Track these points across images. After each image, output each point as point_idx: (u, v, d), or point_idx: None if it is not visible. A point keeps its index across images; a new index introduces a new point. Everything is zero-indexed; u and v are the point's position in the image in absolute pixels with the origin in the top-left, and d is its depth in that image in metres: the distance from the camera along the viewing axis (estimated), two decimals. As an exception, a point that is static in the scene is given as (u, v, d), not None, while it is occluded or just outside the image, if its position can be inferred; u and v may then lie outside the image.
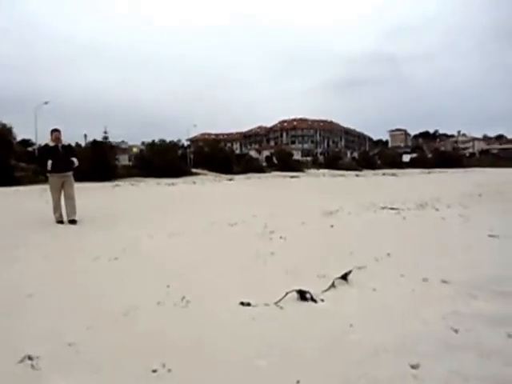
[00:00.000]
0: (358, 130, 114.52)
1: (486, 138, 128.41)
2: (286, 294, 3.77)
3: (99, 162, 30.33)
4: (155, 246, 6.37)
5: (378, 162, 72.23)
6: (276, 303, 3.68)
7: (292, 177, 34.35)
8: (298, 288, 3.87)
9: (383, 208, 10.80)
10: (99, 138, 35.60)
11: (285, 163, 54.42)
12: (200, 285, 4.33)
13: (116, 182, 28.11)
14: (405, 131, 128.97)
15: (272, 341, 2.98)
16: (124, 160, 47.76)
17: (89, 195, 15.70)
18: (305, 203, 13.03)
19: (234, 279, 4.54)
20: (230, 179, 33.14)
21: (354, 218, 9.22)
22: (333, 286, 4.15)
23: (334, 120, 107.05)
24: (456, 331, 3.12)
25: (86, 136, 46.54)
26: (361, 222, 8.77)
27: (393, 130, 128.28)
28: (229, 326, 3.26)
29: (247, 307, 3.64)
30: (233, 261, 5.36)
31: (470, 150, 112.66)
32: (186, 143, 71.89)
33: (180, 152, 49.98)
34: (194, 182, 29.31)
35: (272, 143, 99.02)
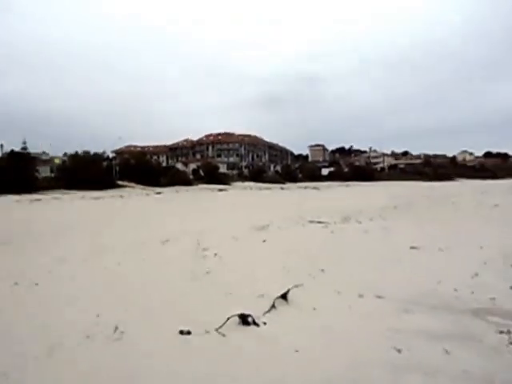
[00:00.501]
0: (281, 144, 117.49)
1: (393, 154, 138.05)
2: (228, 319, 3.51)
3: (17, 173, 27.95)
4: (78, 271, 5.78)
5: (300, 175, 74.44)
6: (217, 330, 3.41)
7: (220, 190, 34.15)
8: (238, 312, 3.63)
9: (311, 222, 10.96)
10: (17, 149, 33.09)
11: (211, 176, 54.13)
12: (134, 312, 3.91)
13: (36, 196, 25.95)
14: (323, 146, 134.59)
15: (215, 376, 2.71)
16: (45, 172, 44.35)
17: None
18: (235, 217, 12.89)
19: (171, 304, 4.17)
20: (159, 192, 32.09)
21: (285, 233, 9.21)
22: (273, 306, 3.96)
23: (258, 135, 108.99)
24: (399, 351, 3.07)
25: (1, 146, 42.82)
26: (292, 236, 8.77)
27: (312, 146, 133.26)
28: (168, 361, 2.92)
29: (187, 336, 3.33)
30: (168, 283, 4.98)
31: (381, 165, 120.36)
32: (111, 155, 68.71)
33: (105, 164, 47.56)
34: (122, 196, 27.91)
35: (198, 156, 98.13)
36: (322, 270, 5.52)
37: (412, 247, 7.33)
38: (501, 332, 3.48)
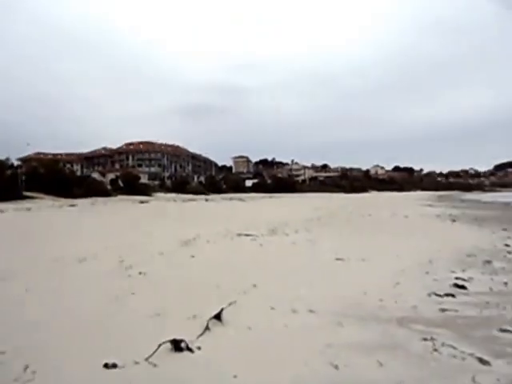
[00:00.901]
0: (205, 155, 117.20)
1: (314, 167, 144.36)
2: (159, 346, 3.29)
3: None
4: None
5: (224, 186, 74.72)
6: (147, 359, 3.16)
7: (142, 202, 32.89)
8: (170, 337, 3.42)
9: (239, 235, 10.95)
10: None
11: (132, 187, 52.03)
12: (50, 347, 3.48)
13: None
14: (247, 158, 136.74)
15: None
16: None
17: None
18: (160, 231, 12.44)
19: (92, 333, 3.79)
20: (73, 204, 29.99)
21: (214, 247, 9.07)
22: (207, 328, 3.82)
23: (182, 145, 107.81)
24: (336, 367, 3.11)
25: None
26: (221, 250, 8.66)
27: (236, 157, 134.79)
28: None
29: (113, 369, 3.02)
30: (87, 309, 4.53)
31: (302, 177, 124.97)
32: (16, 163, 63.15)
33: (9, 173, 43.51)
34: (29, 209, 25.47)
35: (117, 166, 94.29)
36: (255, 286, 5.50)
37: (337, 259, 7.61)
38: (425, 339, 3.70)
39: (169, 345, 3.35)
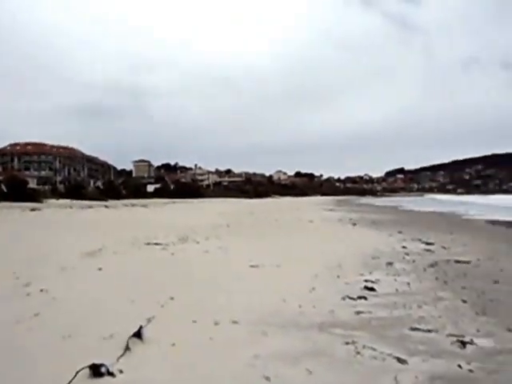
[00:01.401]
0: (102, 158, 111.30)
1: (218, 172, 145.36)
2: (76, 373, 3.00)
3: None
4: None
5: (124, 191, 71.65)
6: (63, 389, 2.88)
7: (32, 209, 29.97)
8: (87, 362, 3.13)
9: (148, 244, 10.54)
10: None
11: (18, 192, 47.32)
12: None
13: None
14: (149, 162, 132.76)
15: None
16: None
17: None
18: (59, 241, 11.42)
19: None
20: None
21: (122, 258, 8.59)
22: (127, 348, 3.59)
23: (76, 147, 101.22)
24: (268, 379, 3.11)
25: None
26: (130, 261, 8.23)
27: (137, 161, 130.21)
28: None
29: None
30: None
31: (206, 182, 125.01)
32: None
33: None
34: None
35: (0, 169, 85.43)
36: (172, 298, 5.31)
37: (252, 266, 7.71)
38: (346, 343, 3.88)
39: (87, 370, 3.07)
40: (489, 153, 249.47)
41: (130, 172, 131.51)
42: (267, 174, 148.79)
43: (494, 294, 5.95)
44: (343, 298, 5.55)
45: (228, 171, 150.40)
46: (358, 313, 4.91)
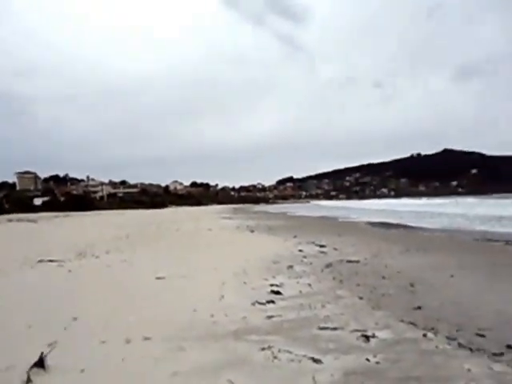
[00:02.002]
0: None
1: (112, 183, 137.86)
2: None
3: None
4: None
5: (7, 205, 64.34)
6: None
7: None
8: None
9: (41, 261, 9.46)
10: None
11: None
12: None
13: None
14: (35, 174, 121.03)
15: None
16: None
17: None
18: None
19: None
20: None
21: (12, 279, 7.58)
22: (29, 381, 3.13)
23: None
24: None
25: None
26: (22, 282, 7.28)
27: (21, 173, 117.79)
28: None
29: None
30: None
31: (100, 194, 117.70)
32: None
33: None
34: None
35: None
36: (75, 319, 4.79)
37: (158, 278, 7.35)
38: (263, 349, 3.85)
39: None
40: (365, 162, 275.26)
41: (14, 184, 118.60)
42: (163, 185, 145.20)
43: (384, 289, 6.45)
44: (253, 304, 5.54)
45: (123, 182, 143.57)
46: (270, 317, 4.93)
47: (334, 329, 4.43)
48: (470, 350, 3.83)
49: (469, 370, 3.35)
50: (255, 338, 4.19)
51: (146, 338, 4.15)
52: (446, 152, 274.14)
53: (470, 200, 62.14)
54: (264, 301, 5.67)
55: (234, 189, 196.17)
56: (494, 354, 3.71)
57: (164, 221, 29.84)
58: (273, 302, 5.66)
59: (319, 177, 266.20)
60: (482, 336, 4.22)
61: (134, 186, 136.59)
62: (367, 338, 4.10)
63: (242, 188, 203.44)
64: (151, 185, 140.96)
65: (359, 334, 4.22)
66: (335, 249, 11.43)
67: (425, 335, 4.22)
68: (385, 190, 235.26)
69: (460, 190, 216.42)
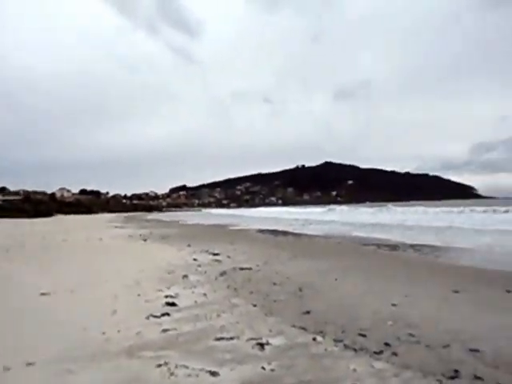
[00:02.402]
0: None
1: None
2: None
3: None
4: None
5: None
6: None
7: None
8: None
9: None
10: None
11: None
12: None
13: None
14: None
15: None
16: None
17: None
18: None
19: None
20: None
21: None
22: None
23: None
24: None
25: None
26: None
27: None
28: None
29: None
30: None
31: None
32: None
33: None
34: None
35: None
36: None
37: (42, 294, 6.59)
38: (159, 365, 3.64)
39: None
40: (255, 172, 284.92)
41: None
42: (49, 192, 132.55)
43: (276, 295, 6.64)
44: (147, 318, 5.25)
45: (2, 189, 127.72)
46: (165, 331, 4.72)
47: (230, 338, 4.40)
48: (354, 350, 4.10)
49: (354, 369, 3.58)
50: (150, 354, 3.96)
51: (29, 364, 3.65)
52: (327, 164, 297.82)
53: (346, 208, 67.81)
54: (159, 313, 5.41)
55: (125, 197, 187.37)
56: (375, 353, 4.03)
57: (50, 231, 27.10)
58: (168, 314, 5.43)
59: (212, 185, 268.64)
60: (364, 336, 4.56)
61: (16, 192, 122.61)
62: (262, 345, 4.15)
63: (135, 196, 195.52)
64: (35, 192, 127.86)
65: (254, 342, 4.25)
66: (228, 257, 11.50)
67: (314, 339, 4.41)
68: (273, 199, 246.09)
69: (339, 198, 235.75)
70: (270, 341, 4.29)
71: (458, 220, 27.18)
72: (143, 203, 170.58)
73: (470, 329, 4.82)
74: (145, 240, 18.36)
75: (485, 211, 34.38)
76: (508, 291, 6.92)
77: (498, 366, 3.72)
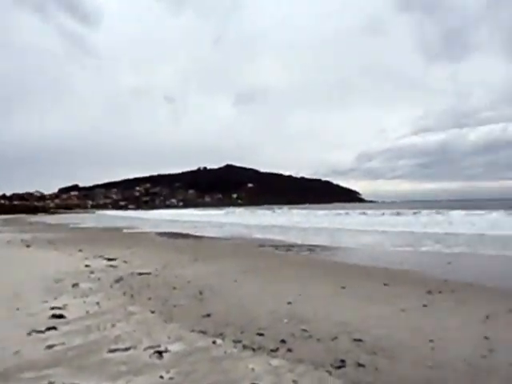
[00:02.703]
0: None
1: None
2: None
3: None
4: None
5: None
6: None
7: None
8: None
9: None
10: None
11: None
12: None
13: None
14: None
15: None
16: None
17: None
18: None
19: None
20: None
21: None
22: None
23: None
24: None
25: None
26: None
27: None
28: None
29: None
30: None
31: None
32: None
33: None
34: None
35: None
36: None
37: None
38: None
39: None
40: (155, 173, 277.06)
41: None
42: None
43: (175, 300, 6.47)
44: (29, 334, 4.71)
45: None
46: (50, 346, 4.27)
47: (126, 349, 4.15)
48: (253, 349, 4.15)
49: (252, 369, 3.62)
50: (31, 374, 3.54)
51: None
52: (228, 167, 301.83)
53: (246, 210, 69.42)
54: (43, 328, 4.88)
55: (4, 196, 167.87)
56: (272, 350, 4.13)
57: None
58: (54, 328, 4.93)
59: (108, 186, 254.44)
60: (262, 335, 4.65)
61: None
62: (160, 353, 3.98)
63: (16, 196, 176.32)
64: None
65: (152, 350, 4.06)
66: (125, 261, 10.94)
67: (214, 342, 4.38)
68: (174, 201, 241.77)
69: (239, 201, 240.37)
70: (169, 348, 4.14)
71: (345, 221, 29.81)
72: (26, 204, 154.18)
73: (354, 321, 5.25)
74: (28, 246, 16.60)
75: (365, 213, 38.51)
76: (385, 284, 7.68)
77: (377, 353, 4.09)
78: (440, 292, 6.95)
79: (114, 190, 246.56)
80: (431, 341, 4.44)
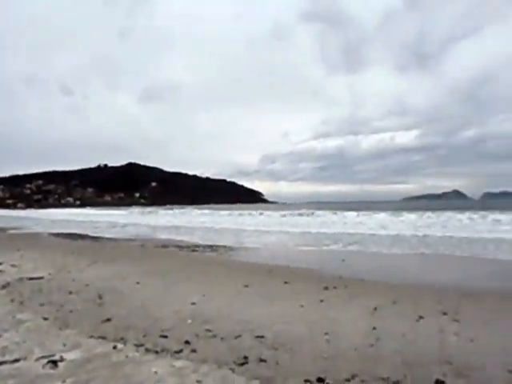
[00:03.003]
0: None
1: None
2: None
3: None
4: None
5: None
6: None
7: None
8: None
9: None
10: None
11: None
12: None
13: None
14: None
15: None
16: None
17: None
18: None
19: None
20: None
21: None
22: None
23: None
24: None
25: None
26: None
27: None
28: None
29: None
30: None
31: None
32: None
33: None
34: None
35: None
36: None
37: None
38: None
39: None
40: (49, 169, 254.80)
41: None
42: None
43: (72, 305, 6.10)
44: None
45: None
46: None
47: (15, 361, 3.82)
48: (156, 352, 4.11)
49: (156, 372, 3.59)
50: None
51: None
52: (131, 165, 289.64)
53: (149, 210, 67.35)
54: None
55: None
56: (176, 352, 4.13)
57: None
58: None
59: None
60: (165, 337, 4.62)
61: None
62: (55, 363, 3.74)
63: None
64: None
65: (45, 360, 3.80)
66: (13, 265, 9.94)
67: (115, 347, 4.24)
68: (70, 199, 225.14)
69: (142, 200, 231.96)
70: (65, 356, 3.91)
71: (247, 222, 30.66)
72: None
73: (256, 318, 5.46)
74: None
75: (266, 214, 40.24)
76: (285, 282, 8.08)
77: (278, 348, 4.33)
78: (335, 287, 7.52)
79: (1, 186, 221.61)
80: (326, 333, 4.81)
